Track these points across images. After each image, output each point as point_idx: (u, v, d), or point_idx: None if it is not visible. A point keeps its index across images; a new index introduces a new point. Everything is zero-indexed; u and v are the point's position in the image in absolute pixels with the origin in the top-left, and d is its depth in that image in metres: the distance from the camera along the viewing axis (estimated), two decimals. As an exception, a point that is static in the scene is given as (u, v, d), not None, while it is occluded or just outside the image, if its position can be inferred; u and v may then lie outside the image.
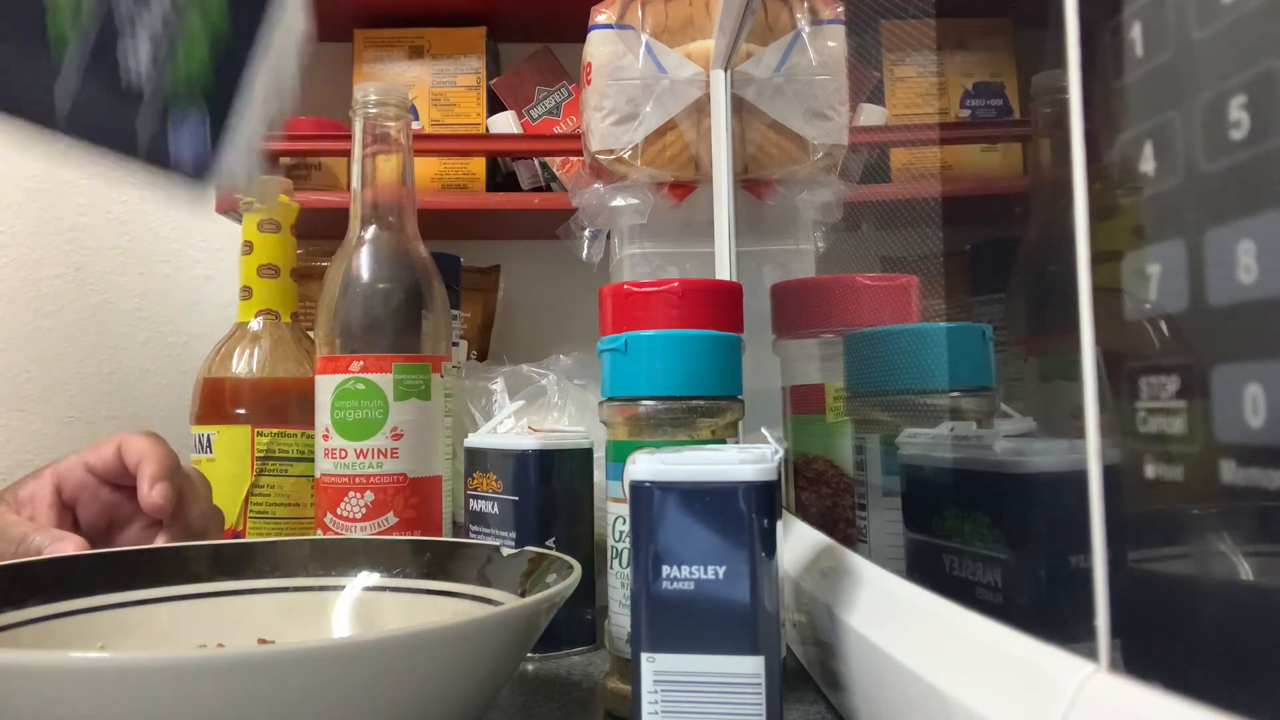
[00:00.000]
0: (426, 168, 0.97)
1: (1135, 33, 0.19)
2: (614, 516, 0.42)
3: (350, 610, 0.45)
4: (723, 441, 0.40)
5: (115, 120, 0.33)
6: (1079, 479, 0.20)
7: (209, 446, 0.69)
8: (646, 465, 0.31)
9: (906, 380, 0.42)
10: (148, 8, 0.33)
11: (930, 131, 0.65)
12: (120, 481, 0.57)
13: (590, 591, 0.51)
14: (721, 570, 0.30)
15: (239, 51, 0.35)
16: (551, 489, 0.51)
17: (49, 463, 0.58)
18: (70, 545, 0.50)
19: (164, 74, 0.34)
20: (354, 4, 1.00)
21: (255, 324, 0.71)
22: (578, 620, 0.50)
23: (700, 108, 0.62)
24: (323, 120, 0.98)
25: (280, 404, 0.69)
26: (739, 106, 0.62)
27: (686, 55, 0.63)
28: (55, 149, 0.33)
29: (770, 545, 0.30)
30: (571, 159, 0.97)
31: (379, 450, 0.59)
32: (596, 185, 0.65)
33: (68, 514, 0.56)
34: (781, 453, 0.33)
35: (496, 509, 0.52)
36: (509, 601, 0.39)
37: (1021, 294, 0.41)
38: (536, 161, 0.99)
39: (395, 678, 0.28)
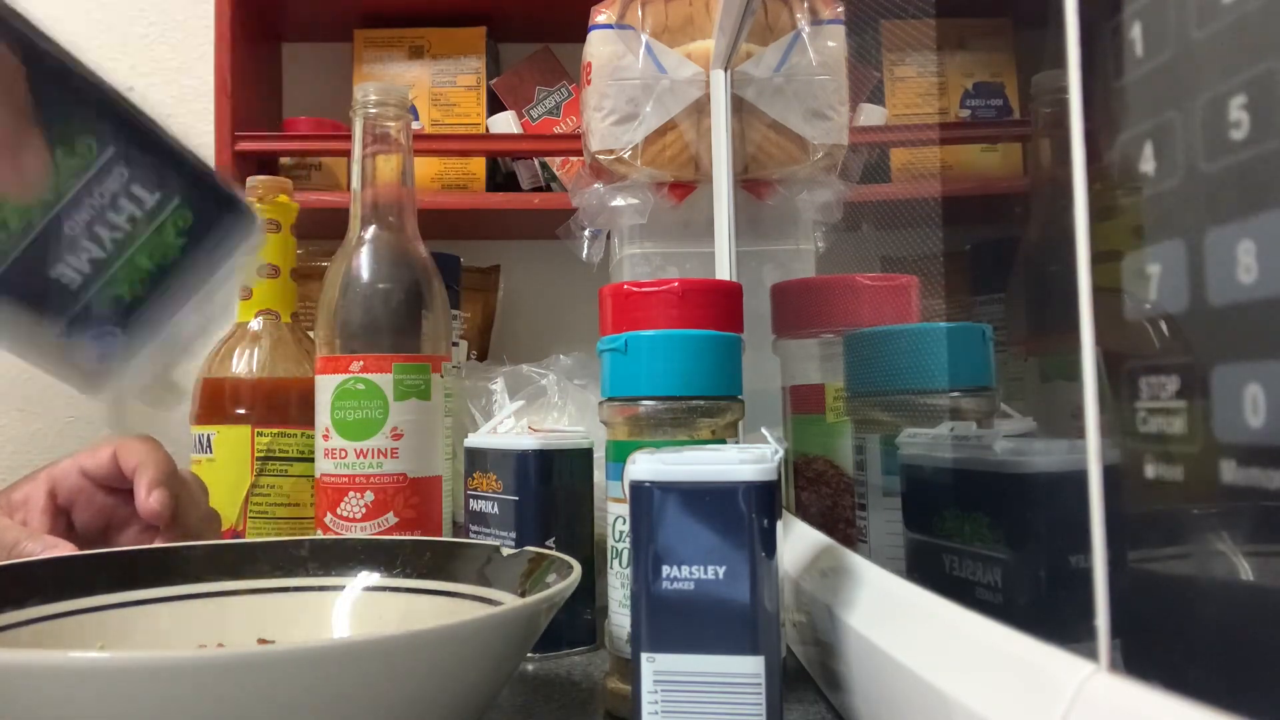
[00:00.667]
0: (426, 168, 0.97)
1: (1135, 33, 0.19)
2: (614, 516, 0.42)
3: (350, 610, 0.45)
4: (723, 441, 0.40)
5: (30, 308, 0.33)
6: (1079, 479, 0.20)
7: (209, 446, 0.69)
8: (646, 465, 0.31)
9: (906, 380, 0.42)
10: (98, 245, 0.34)
11: (930, 131, 0.65)
12: (117, 485, 0.57)
13: (590, 591, 0.51)
14: (721, 570, 0.30)
15: (182, 275, 0.35)
16: (551, 489, 0.51)
17: (44, 466, 0.58)
18: (62, 553, 0.50)
19: (94, 284, 0.34)
20: (354, 4, 1.00)
21: (255, 324, 0.71)
22: (578, 620, 0.50)
23: (700, 108, 0.62)
24: (323, 120, 0.98)
25: (280, 404, 0.69)
26: (739, 106, 0.62)
27: (686, 55, 0.63)
28: None
29: (770, 545, 0.30)
30: (571, 159, 0.97)
31: (379, 450, 0.59)
32: (596, 185, 0.65)
33: (62, 518, 0.56)
34: (781, 453, 0.33)
35: (496, 509, 0.52)
36: (509, 601, 0.39)
37: (1021, 294, 0.41)
38: (536, 161, 0.99)
39: (395, 678, 0.28)
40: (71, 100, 0.33)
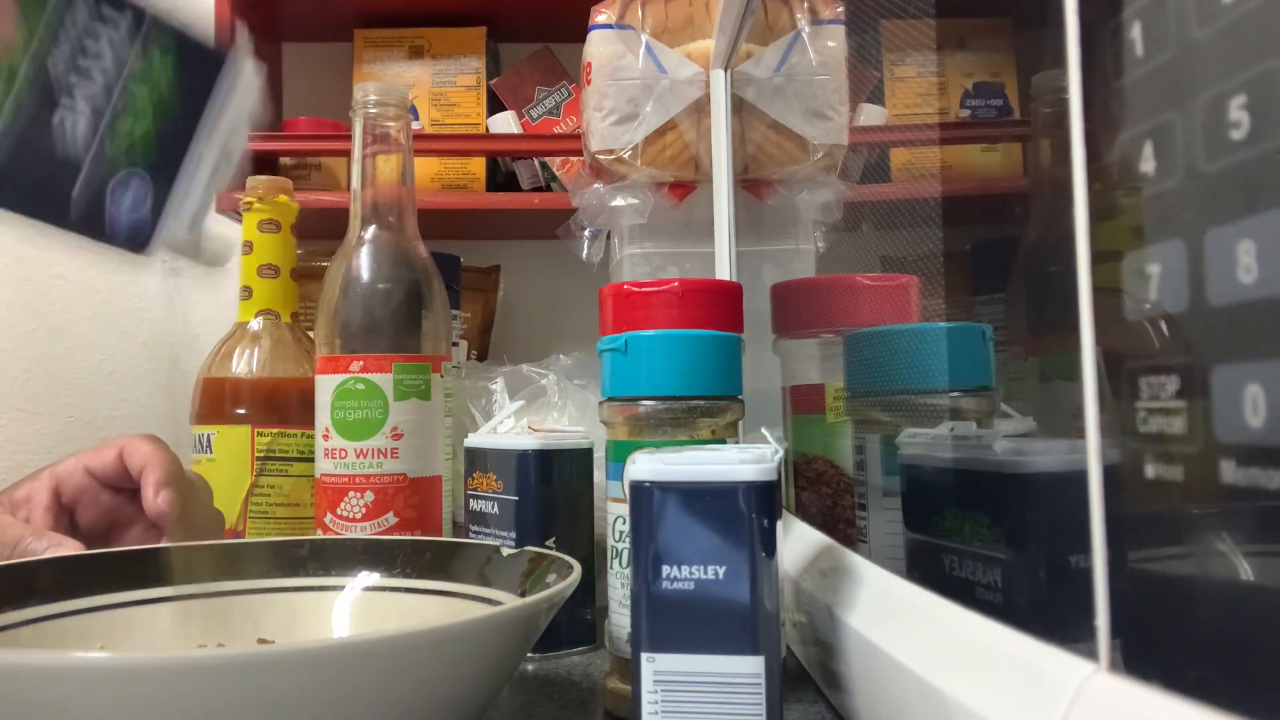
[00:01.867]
0: (426, 168, 0.97)
1: (1135, 33, 0.19)
2: (614, 516, 0.42)
3: (350, 610, 0.45)
4: (723, 441, 0.40)
5: (48, 188, 0.32)
6: (1079, 479, 0.20)
7: (209, 446, 0.69)
8: (646, 465, 0.31)
9: (906, 380, 0.42)
10: (89, 79, 0.32)
11: (930, 131, 0.65)
12: (121, 485, 0.57)
13: (590, 591, 0.51)
14: (721, 570, 0.30)
15: (186, 124, 0.34)
16: (551, 489, 0.51)
17: (46, 465, 0.58)
18: (67, 550, 0.50)
19: (103, 145, 0.33)
20: (354, 4, 1.00)
21: (255, 324, 0.71)
22: (578, 620, 0.50)
23: (700, 108, 0.62)
24: (323, 120, 0.98)
25: (280, 404, 0.69)
26: (739, 106, 0.62)
27: (686, 55, 0.63)
28: None
29: (770, 545, 0.30)
30: (571, 159, 0.97)
31: (379, 450, 0.59)
32: (596, 185, 0.65)
33: (65, 516, 0.56)
34: (781, 453, 0.33)
35: (496, 509, 0.52)
36: (509, 601, 0.39)
37: (1021, 294, 0.41)
38: (536, 161, 0.99)
39: (395, 678, 0.28)
40: None
